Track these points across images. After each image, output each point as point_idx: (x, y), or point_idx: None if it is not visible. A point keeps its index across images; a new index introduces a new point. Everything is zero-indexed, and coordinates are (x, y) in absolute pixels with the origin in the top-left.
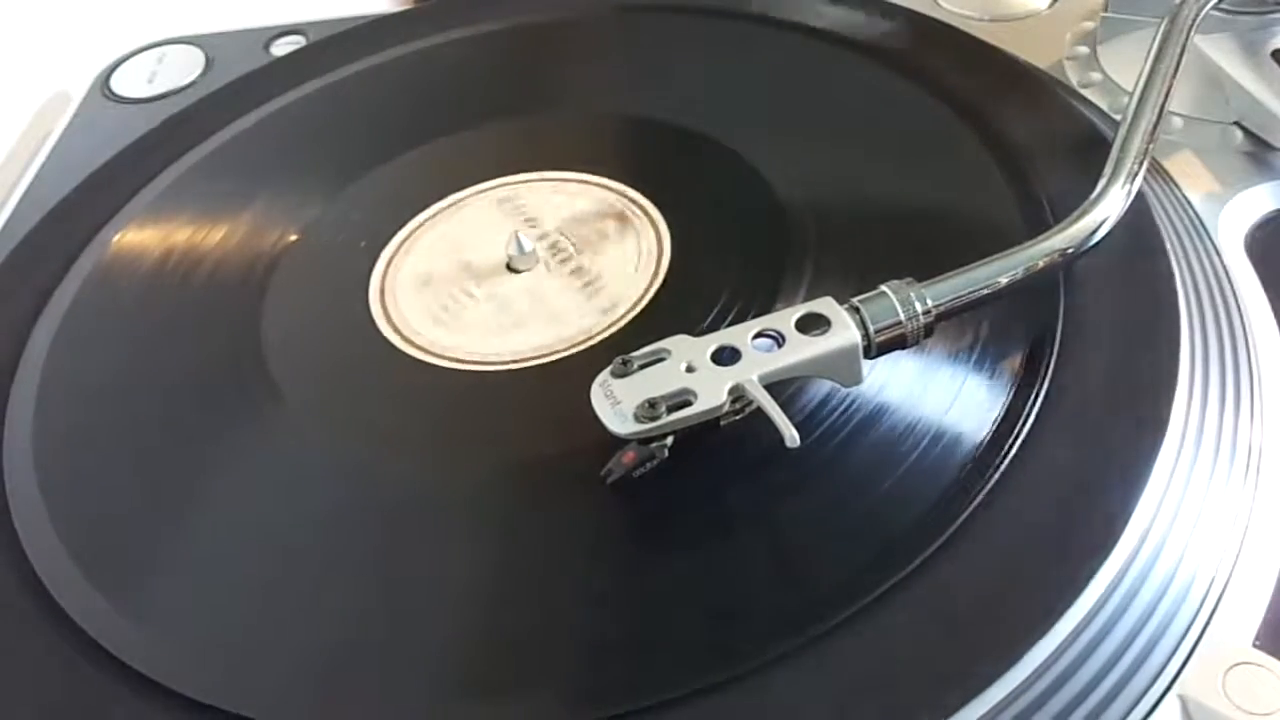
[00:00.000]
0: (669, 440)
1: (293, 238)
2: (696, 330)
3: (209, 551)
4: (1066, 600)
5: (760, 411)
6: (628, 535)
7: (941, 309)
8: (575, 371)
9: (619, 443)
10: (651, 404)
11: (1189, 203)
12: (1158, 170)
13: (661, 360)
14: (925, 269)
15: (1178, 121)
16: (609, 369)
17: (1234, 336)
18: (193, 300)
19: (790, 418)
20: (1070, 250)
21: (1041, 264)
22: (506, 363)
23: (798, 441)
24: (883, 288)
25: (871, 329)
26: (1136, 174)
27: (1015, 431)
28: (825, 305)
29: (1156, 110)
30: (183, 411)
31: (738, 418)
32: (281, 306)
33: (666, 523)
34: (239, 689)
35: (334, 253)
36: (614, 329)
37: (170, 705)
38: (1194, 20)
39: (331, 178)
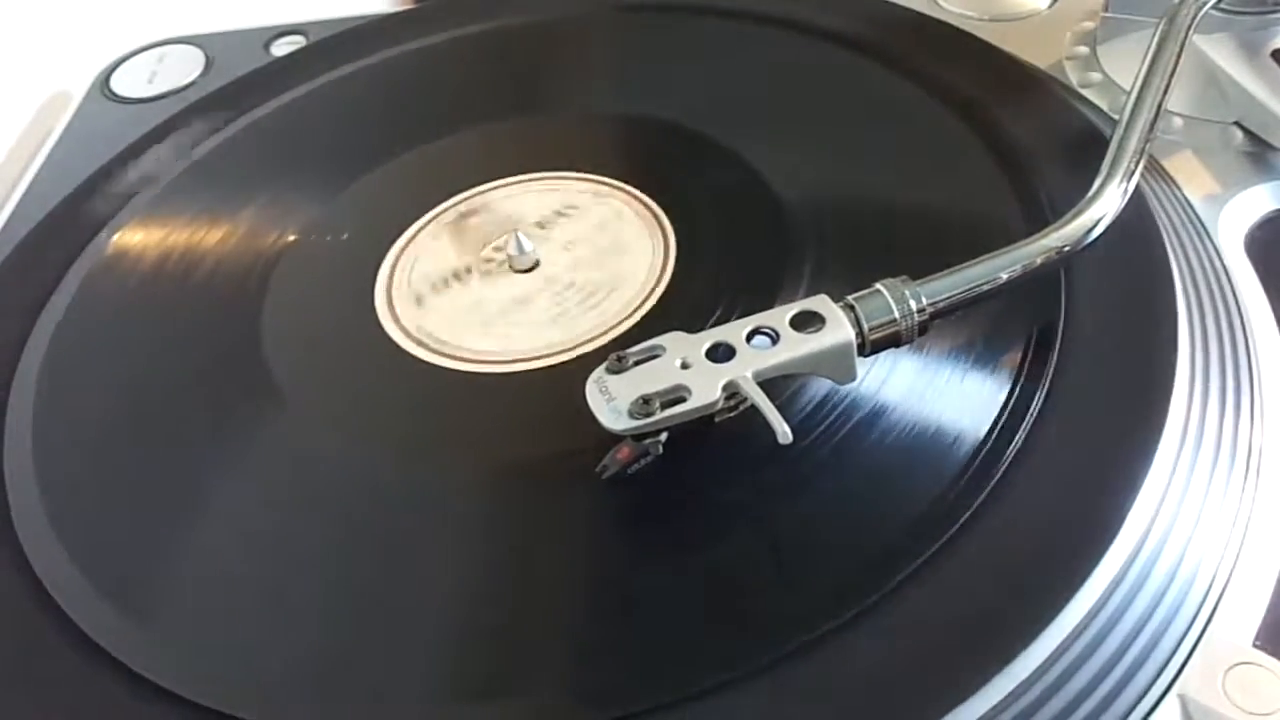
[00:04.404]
0: (663, 436)
1: (292, 238)
2: (695, 328)
3: (209, 552)
4: (1066, 600)
5: (756, 409)
6: (628, 535)
7: (936, 307)
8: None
9: (615, 439)
10: (646, 400)
11: (1189, 203)
12: (1158, 170)
13: (656, 357)
14: (924, 268)
15: (1177, 121)
16: (604, 365)
17: (1234, 336)
18: (193, 300)
19: (790, 417)
20: (1066, 248)
21: (1038, 262)
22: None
23: (790, 438)
24: (877, 286)
25: (865, 327)
26: (1134, 172)
27: (1015, 431)
28: (820, 303)
29: (1154, 109)
30: (182, 412)
31: (732, 414)
32: (281, 306)
33: (666, 523)
34: (238, 690)
35: (334, 252)
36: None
37: (169, 706)
38: (1193, 20)
39: (331, 178)
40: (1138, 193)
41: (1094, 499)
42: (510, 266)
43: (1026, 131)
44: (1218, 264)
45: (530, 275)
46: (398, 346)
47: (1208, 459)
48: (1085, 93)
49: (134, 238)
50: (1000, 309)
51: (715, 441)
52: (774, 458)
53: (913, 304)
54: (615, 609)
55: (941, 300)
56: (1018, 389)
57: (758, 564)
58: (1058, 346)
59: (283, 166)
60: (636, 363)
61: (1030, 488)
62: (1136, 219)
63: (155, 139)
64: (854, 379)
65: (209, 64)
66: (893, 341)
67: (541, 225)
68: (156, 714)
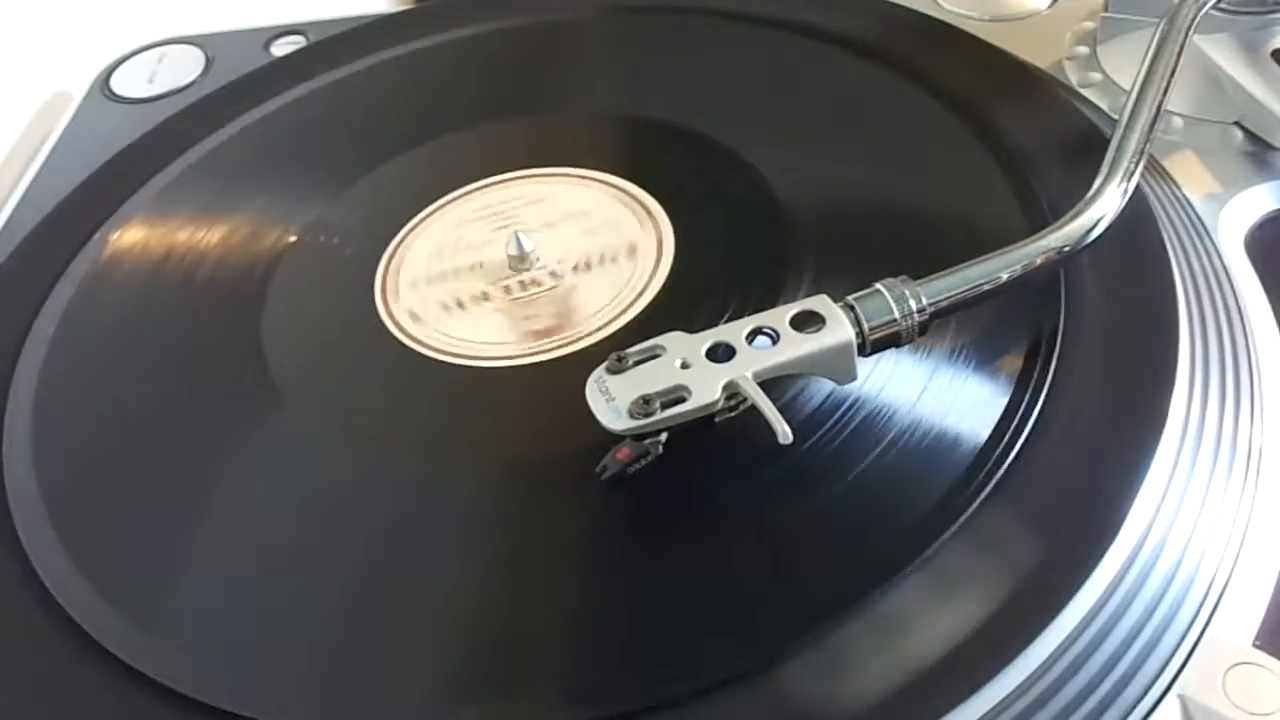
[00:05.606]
0: (663, 436)
1: (292, 238)
2: (694, 328)
3: (209, 552)
4: (1066, 600)
5: (756, 409)
6: (627, 535)
7: (936, 307)
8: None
9: (615, 439)
10: (646, 400)
11: (1189, 203)
12: (1158, 170)
13: (656, 357)
14: (925, 268)
15: (1178, 121)
16: (604, 365)
17: (1234, 336)
18: (193, 300)
19: (791, 417)
20: (1066, 248)
21: (1038, 262)
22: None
23: (790, 438)
24: (877, 286)
25: (865, 326)
26: (1133, 172)
27: (1015, 431)
28: (820, 303)
29: (1154, 109)
30: (182, 411)
31: (732, 415)
32: (281, 306)
33: (666, 523)
34: (239, 689)
35: (334, 252)
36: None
37: (169, 706)
38: (1193, 20)
39: (331, 178)
40: (1138, 193)
41: (1095, 499)
42: (510, 266)
43: (1026, 131)
44: (1218, 264)
45: (528, 274)
46: (399, 345)
47: (1208, 459)
48: (1085, 93)
49: (134, 238)
50: (1000, 309)
51: (715, 442)
52: (774, 458)
53: (912, 304)
54: (615, 609)
55: (941, 300)
56: (1018, 389)
57: (757, 564)
58: (1058, 346)
59: (283, 166)
60: (636, 363)
61: (1030, 488)
62: (1136, 219)
63: (155, 138)
64: (854, 379)
65: (209, 64)
66: (893, 341)
67: (545, 225)
68: (157, 714)
